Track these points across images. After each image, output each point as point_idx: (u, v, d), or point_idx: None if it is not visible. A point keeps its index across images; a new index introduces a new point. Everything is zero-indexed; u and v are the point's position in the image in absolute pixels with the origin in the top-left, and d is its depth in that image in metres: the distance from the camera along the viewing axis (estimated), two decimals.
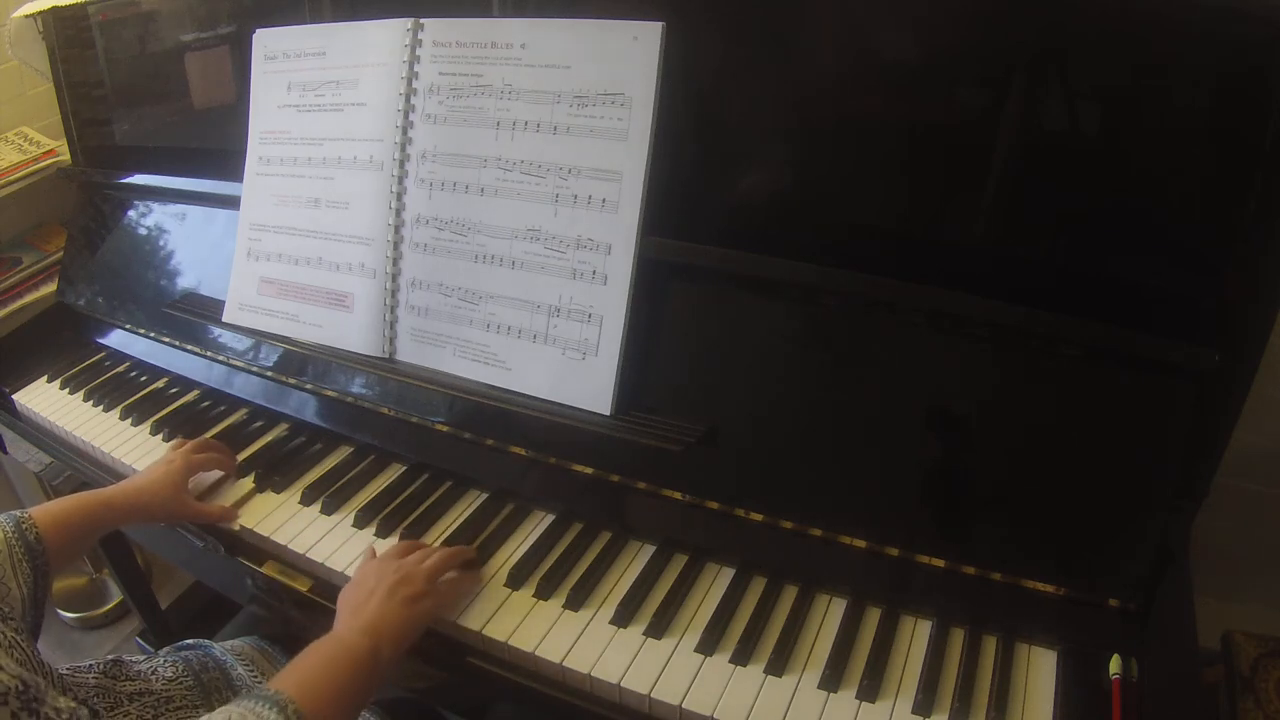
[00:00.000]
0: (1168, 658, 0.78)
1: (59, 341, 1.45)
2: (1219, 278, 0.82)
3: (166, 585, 1.93)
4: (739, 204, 1.00)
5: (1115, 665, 0.79)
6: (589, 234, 0.97)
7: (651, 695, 0.81)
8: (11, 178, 1.73)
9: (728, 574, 0.94)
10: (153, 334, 1.35)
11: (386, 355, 1.11)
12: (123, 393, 1.32)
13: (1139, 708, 0.76)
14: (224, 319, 1.23)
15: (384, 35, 1.08)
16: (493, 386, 1.03)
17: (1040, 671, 0.82)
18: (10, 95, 1.88)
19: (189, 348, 1.30)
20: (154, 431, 1.24)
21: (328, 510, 1.06)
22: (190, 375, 1.31)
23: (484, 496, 1.07)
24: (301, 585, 0.99)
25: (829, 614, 0.89)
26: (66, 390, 1.35)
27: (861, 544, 0.89)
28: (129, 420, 1.27)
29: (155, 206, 1.39)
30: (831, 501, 0.89)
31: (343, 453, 1.16)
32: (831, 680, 0.81)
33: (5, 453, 1.38)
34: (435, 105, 1.05)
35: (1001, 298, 0.83)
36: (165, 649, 1.04)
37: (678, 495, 0.95)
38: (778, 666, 0.83)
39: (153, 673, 0.95)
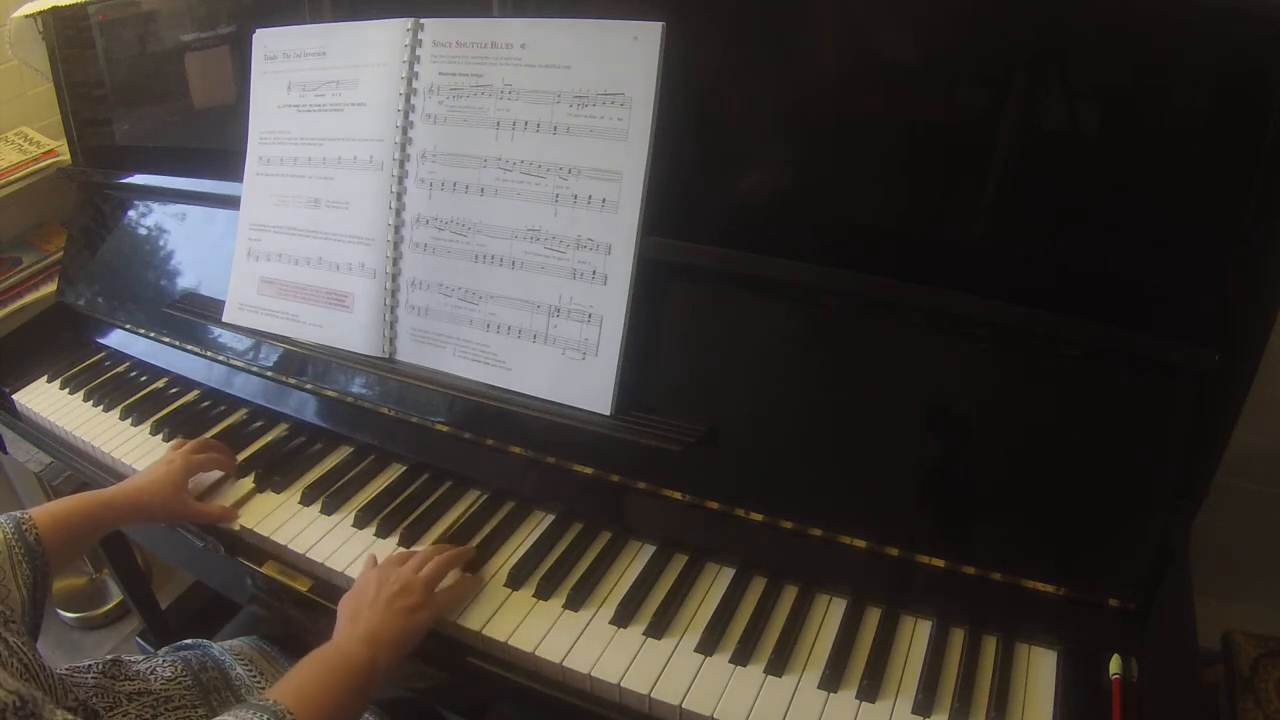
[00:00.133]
0: (1168, 658, 0.78)
1: (59, 341, 1.46)
2: (1219, 278, 0.82)
3: (166, 585, 1.93)
4: (739, 204, 1.00)
5: (1115, 665, 0.79)
6: (589, 234, 0.97)
7: (651, 695, 0.81)
8: (11, 178, 1.73)
9: (728, 574, 0.94)
10: (153, 334, 1.35)
11: (386, 355, 1.11)
12: (123, 393, 1.32)
13: (1139, 708, 0.76)
14: (224, 319, 1.23)
15: (384, 35, 1.08)
16: (493, 386, 1.03)
17: (1040, 671, 0.82)
18: (10, 95, 1.88)
19: (189, 348, 1.30)
20: (154, 431, 1.24)
21: (328, 510, 1.06)
22: (190, 375, 1.31)
23: (484, 496, 1.07)
24: (301, 585, 0.99)
25: (829, 614, 0.89)
26: (66, 390, 1.35)
27: (861, 544, 0.89)
28: (129, 420, 1.27)
29: (155, 206, 1.40)
30: (831, 501, 0.89)
31: (343, 453, 1.16)
32: (831, 680, 0.81)
33: (5, 453, 1.38)
34: (435, 105, 1.05)
35: (1001, 298, 0.83)
36: (164, 649, 1.04)
37: (678, 495, 0.95)
38: (778, 666, 0.83)
39: (151, 673, 0.95)
